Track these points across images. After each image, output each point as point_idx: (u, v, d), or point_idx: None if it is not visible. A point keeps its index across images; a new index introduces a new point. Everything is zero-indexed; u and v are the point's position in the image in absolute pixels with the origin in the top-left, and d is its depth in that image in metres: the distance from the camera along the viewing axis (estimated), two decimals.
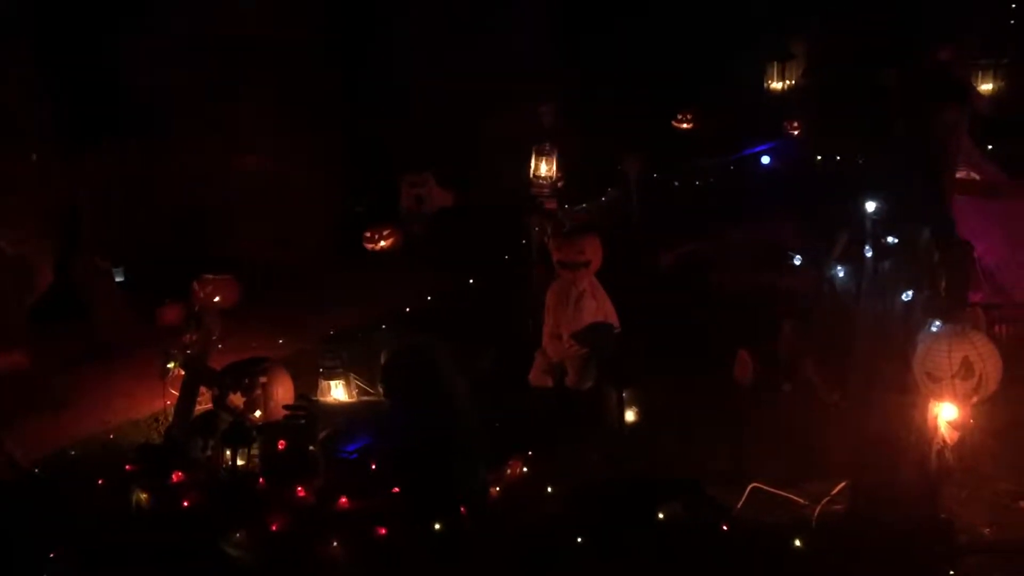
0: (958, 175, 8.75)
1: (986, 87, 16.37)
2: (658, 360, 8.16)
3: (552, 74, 14.72)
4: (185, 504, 5.91)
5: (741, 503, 6.14)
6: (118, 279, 11.11)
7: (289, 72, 13.39)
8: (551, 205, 10.03)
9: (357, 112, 14.58)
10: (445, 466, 5.65)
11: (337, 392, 8.13)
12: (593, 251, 8.09)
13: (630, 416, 7.58)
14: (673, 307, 9.77)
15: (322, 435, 6.34)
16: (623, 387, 7.56)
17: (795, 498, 6.20)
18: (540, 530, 5.80)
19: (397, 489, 5.62)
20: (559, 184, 11.70)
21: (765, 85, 18.83)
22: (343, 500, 5.63)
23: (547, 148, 9.97)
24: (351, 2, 14.75)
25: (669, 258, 11.13)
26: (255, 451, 6.48)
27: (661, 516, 5.62)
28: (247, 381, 7.09)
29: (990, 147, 10.74)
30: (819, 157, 14.39)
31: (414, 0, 15.46)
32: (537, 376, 8.23)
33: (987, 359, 5.34)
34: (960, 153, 8.75)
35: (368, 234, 12.81)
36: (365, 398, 8.18)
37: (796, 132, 15.53)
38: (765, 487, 6.27)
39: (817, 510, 6.03)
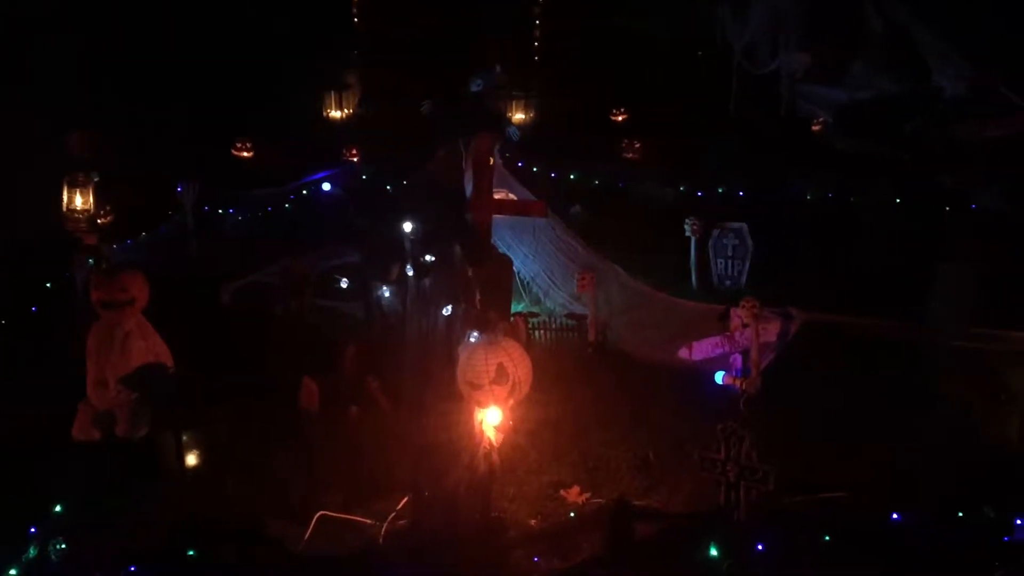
0: (496, 196, 9.47)
1: (519, 116, 18.31)
2: (221, 396, 7.80)
3: (83, 100, 13.52)
4: None
5: (308, 533, 6.05)
6: None
7: None
8: (91, 240, 9.15)
9: None
10: None
11: None
12: (138, 288, 7.43)
13: (191, 460, 7.11)
14: (236, 340, 9.47)
15: None
16: (182, 430, 7.07)
17: (362, 520, 6.26)
18: None
19: None
20: (103, 218, 10.79)
21: (324, 113, 19.14)
22: None
23: (81, 179, 9.06)
24: None
25: (230, 290, 10.74)
26: None
27: (218, 561, 5.30)
28: None
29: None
30: (387, 186, 14.87)
31: None
32: (82, 429, 7.37)
33: (519, 364, 5.79)
34: (495, 175, 9.51)
35: None
36: None
37: (355, 159, 15.91)
38: (332, 514, 6.25)
39: (384, 528, 6.14)
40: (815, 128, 16.77)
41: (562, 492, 6.61)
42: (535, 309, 10.10)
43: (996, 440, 7.08)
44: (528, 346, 8.27)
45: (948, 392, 7.92)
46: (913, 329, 8.40)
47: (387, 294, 6.75)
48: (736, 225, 11.12)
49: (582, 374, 8.58)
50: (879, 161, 14.26)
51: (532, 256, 10.11)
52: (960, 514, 5.75)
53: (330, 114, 19.15)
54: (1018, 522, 5.33)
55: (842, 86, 16.78)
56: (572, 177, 14.33)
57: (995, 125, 14.41)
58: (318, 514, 6.19)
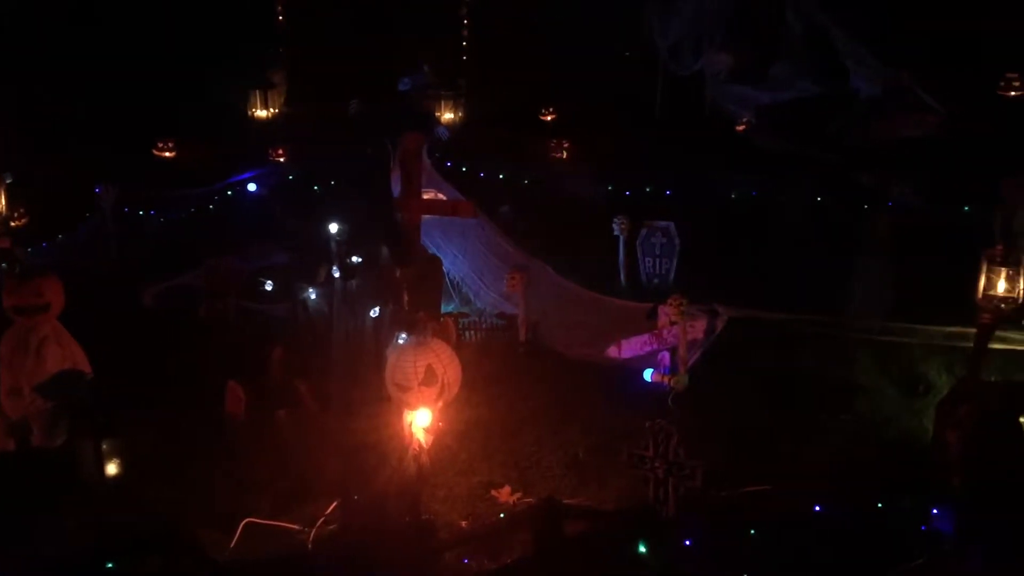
0: (425, 196, 9.41)
1: (448, 116, 18.28)
2: (143, 403, 7.61)
3: None
4: None
5: (234, 541, 5.93)
6: None
7: None
8: (4, 243, 8.83)
9: None
10: None
11: None
12: (53, 292, 7.19)
13: (112, 469, 6.90)
14: (159, 344, 9.26)
15: None
16: (101, 438, 6.87)
17: (290, 525, 6.16)
18: None
19: None
20: (16, 220, 10.45)
21: (249, 112, 18.84)
22: None
23: None
24: None
25: (152, 293, 10.47)
26: None
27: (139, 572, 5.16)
28: None
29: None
30: (315, 186, 14.68)
31: None
32: None
33: (448, 365, 5.75)
34: (423, 175, 9.45)
35: None
36: None
37: (282, 159, 15.69)
38: (259, 520, 6.14)
39: (312, 533, 6.06)
40: (739, 128, 17.11)
41: (493, 492, 6.58)
42: (465, 309, 10.07)
43: (914, 431, 7.28)
44: (458, 347, 8.25)
45: (868, 384, 8.15)
46: (834, 323, 8.61)
47: (313, 296, 6.65)
48: (663, 224, 11.24)
49: (513, 374, 8.57)
50: (801, 160, 14.60)
51: (462, 256, 10.06)
52: (880, 504, 5.90)
53: (255, 113, 18.86)
54: (935, 511, 5.49)
55: (764, 87, 17.15)
56: (501, 177, 14.36)
57: (909, 125, 14.88)
58: (244, 521, 6.07)
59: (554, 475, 6.86)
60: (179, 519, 6.15)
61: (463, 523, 6.22)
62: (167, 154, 15.89)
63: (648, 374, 8.28)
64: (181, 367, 8.51)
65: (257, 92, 18.75)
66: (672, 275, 11.17)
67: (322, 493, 6.37)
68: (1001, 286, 6.61)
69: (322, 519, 6.17)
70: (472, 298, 10.20)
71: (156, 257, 11.70)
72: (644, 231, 11.26)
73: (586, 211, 12.96)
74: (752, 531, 5.58)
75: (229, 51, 17.29)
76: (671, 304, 8.24)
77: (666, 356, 8.33)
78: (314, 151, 15.06)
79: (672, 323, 8.28)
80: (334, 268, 6.26)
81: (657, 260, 11.25)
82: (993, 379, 7.63)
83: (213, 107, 17.15)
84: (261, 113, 18.93)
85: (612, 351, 8.57)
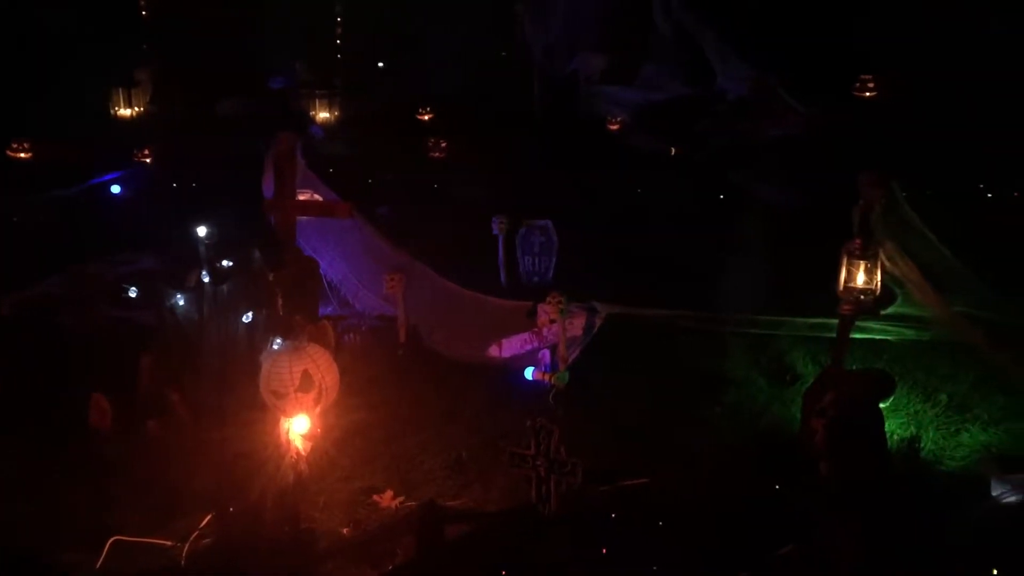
0: (302, 197, 9.19)
1: (324, 115, 17.97)
2: (1, 418, 7.21)
3: None
4: None
5: (100, 561, 5.66)
6: None
7: None
8: None
9: None
10: None
11: None
12: None
13: None
14: (17, 356, 8.76)
15: None
16: None
17: (162, 541, 5.93)
18: None
19: None
20: None
21: (112, 112, 18.06)
22: None
23: None
24: None
25: (10, 302, 9.89)
26: None
27: None
28: None
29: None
30: (173, 184, 14.19)
31: None
32: None
33: (325, 370, 5.62)
34: (298, 176, 9.22)
35: None
36: None
37: (147, 159, 15.08)
38: (128, 537, 5.88)
39: (185, 548, 5.84)
40: (612, 127, 17.44)
41: (375, 497, 6.47)
42: (344, 312, 9.90)
43: (785, 419, 7.55)
44: (338, 350, 8.10)
45: (741, 376, 8.41)
46: (708, 318, 8.85)
47: (182, 302, 6.40)
48: (542, 222, 11.32)
49: (394, 377, 8.46)
50: (673, 159, 15.01)
51: (340, 258, 9.88)
52: (751, 493, 6.10)
53: (118, 112, 18.10)
54: (803, 498, 5.70)
55: (636, 87, 17.55)
56: (379, 177, 14.21)
57: (774, 124, 15.50)
58: (111, 539, 5.81)
59: (437, 477, 6.80)
60: (40, 541, 5.85)
61: (344, 531, 6.11)
62: (22, 155, 15.05)
63: (529, 372, 8.32)
64: (42, 380, 8.07)
65: (120, 90, 18.00)
66: (551, 273, 11.26)
67: (196, 506, 6.15)
68: (860, 278, 6.93)
69: (196, 533, 5.96)
70: (351, 300, 10.04)
71: (15, 264, 11.04)
72: (523, 230, 11.31)
73: (465, 211, 12.95)
74: (631, 523, 5.68)
75: (89, 47, 16.51)
76: (550, 302, 8.29)
77: (546, 354, 8.38)
78: (181, 151, 14.55)
79: (552, 321, 8.34)
80: (204, 272, 6.05)
81: (536, 258, 11.31)
82: (855, 367, 8.00)
83: (72, 106, 16.33)
84: (124, 112, 18.17)
85: (493, 350, 8.58)
